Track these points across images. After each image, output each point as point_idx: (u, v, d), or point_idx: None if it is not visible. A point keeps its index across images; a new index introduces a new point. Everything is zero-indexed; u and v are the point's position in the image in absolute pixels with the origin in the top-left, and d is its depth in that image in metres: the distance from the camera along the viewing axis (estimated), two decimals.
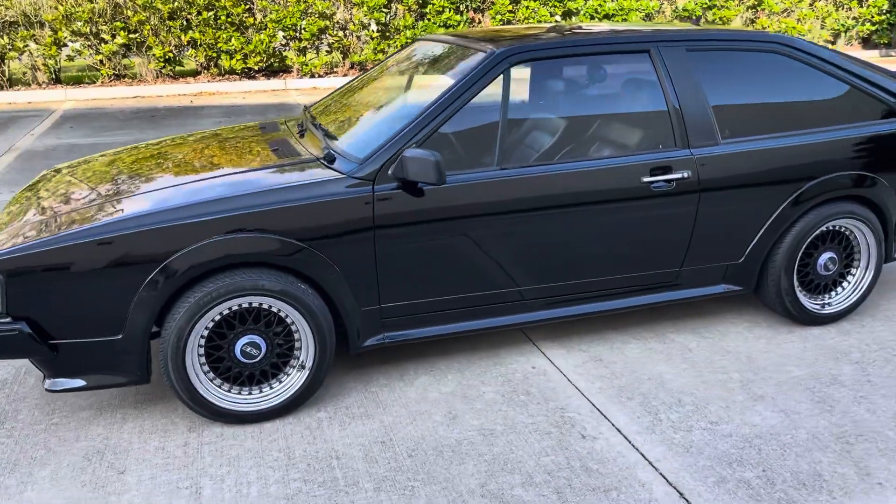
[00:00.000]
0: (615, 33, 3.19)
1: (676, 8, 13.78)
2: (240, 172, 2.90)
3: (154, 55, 11.70)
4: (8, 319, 2.50)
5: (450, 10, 12.55)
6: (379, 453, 2.60)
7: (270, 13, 11.90)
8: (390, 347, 3.33)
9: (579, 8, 13.16)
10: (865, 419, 2.77)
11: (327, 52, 12.82)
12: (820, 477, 2.46)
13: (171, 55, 11.79)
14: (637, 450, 2.61)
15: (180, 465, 2.54)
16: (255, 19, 11.96)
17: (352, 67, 12.99)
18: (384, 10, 12.40)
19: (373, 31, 12.61)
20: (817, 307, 3.51)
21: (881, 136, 3.39)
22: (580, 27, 3.41)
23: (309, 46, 12.56)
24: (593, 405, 2.88)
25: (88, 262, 2.49)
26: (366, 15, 12.31)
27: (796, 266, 3.40)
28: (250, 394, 2.78)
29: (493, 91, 2.99)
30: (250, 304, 2.68)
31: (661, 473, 2.48)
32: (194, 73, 12.47)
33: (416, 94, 3.09)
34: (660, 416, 2.80)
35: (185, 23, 11.73)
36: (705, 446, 2.62)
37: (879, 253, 3.51)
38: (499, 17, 12.79)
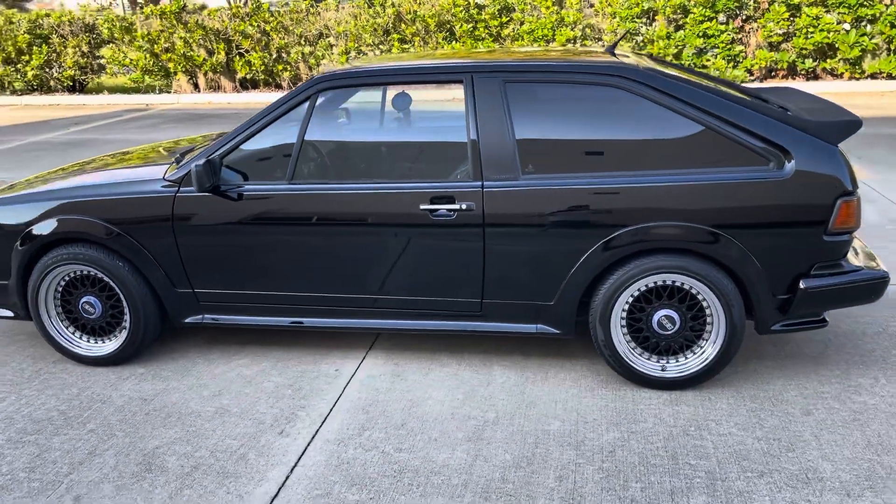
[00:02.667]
0: (435, 62, 3.27)
1: None
2: (119, 169, 3.68)
3: None
4: None
5: (713, 20, 11.85)
6: (128, 405, 3.19)
7: (524, 24, 12.51)
8: (244, 331, 3.83)
9: (876, 14, 11.43)
10: (542, 484, 2.58)
11: None
12: None
13: None
14: (302, 454, 2.81)
15: (16, 382, 3.43)
16: (510, 30, 12.67)
17: None
18: (638, 19, 12.19)
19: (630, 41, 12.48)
20: (654, 368, 3.16)
21: (725, 186, 2.93)
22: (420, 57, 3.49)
23: None
24: (329, 411, 3.10)
25: None
26: (618, 25, 12.25)
27: (613, 317, 3.12)
28: (96, 342, 3.56)
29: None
30: (89, 272, 3.45)
31: (287, 475, 2.69)
32: None
33: None
34: (365, 433, 2.93)
35: (449, 34, 12.91)
36: (358, 466, 2.72)
37: (729, 321, 3.02)
38: (770, 25, 11.72)
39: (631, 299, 3.11)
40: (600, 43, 12.73)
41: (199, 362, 3.57)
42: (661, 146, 3.03)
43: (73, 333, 3.57)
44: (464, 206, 3.09)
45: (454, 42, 12.81)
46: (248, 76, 13.84)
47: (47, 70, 14.33)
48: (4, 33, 14.11)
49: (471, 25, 12.63)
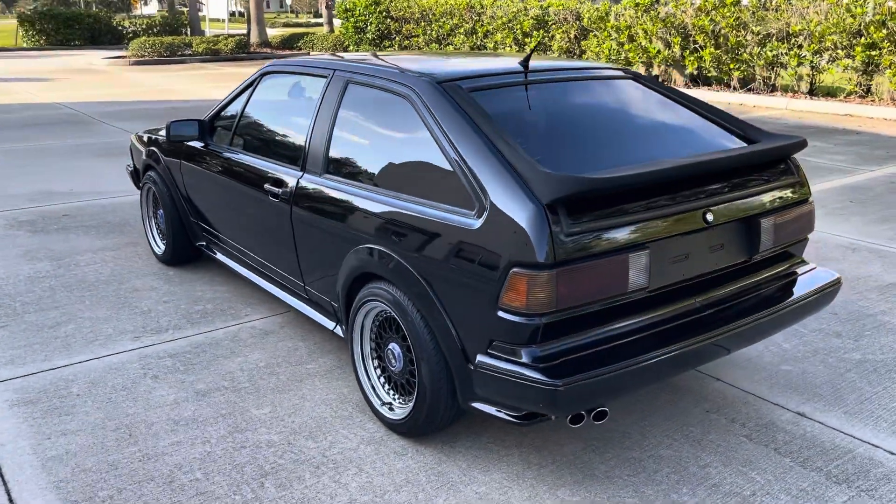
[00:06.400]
0: (321, 59, 3.45)
1: None
2: None
3: (889, 75, 11.00)
4: (131, 164, 5.21)
5: None
6: (131, 289, 4.30)
7: None
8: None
9: None
10: (145, 435, 2.84)
11: None
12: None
13: None
14: (114, 354, 3.54)
15: (120, 258, 4.86)
16: None
17: None
18: None
19: None
20: (382, 403, 2.92)
21: (424, 221, 2.58)
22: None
23: None
24: (185, 337, 3.72)
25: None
26: None
27: (355, 334, 2.98)
28: (158, 244, 4.77)
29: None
30: (153, 190, 4.65)
31: (85, 361, 3.46)
32: None
33: None
34: (165, 359, 3.49)
35: None
36: (119, 375, 3.33)
37: (419, 374, 2.63)
38: None
39: (378, 322, 2.93)
40: None
41: (216, 280, 4.47)
42: (411, 169, 2.76)
43: (155, 232, 4.83)
44: (280, 192, 3.31)
45: None
46: (696, 72, 13.52)
47: (542, 53, 16.25)
48: (518, 19, 16.45)
49: None
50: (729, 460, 2.71)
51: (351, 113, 3.13)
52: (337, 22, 23.91)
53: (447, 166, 2.57)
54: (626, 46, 14.19)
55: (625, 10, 14.48)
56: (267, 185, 3.42)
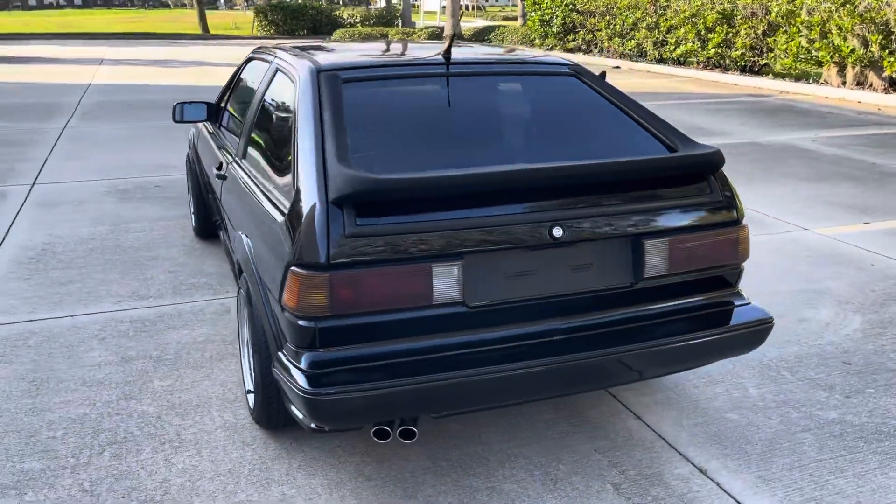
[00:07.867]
0: (284, 45, 3.46)
1: None
2: None
3: None
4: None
5: None
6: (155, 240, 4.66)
7: None
8: None
9: None
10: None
11: None
12: None
13: None
14: (78, 311, 3.84)
15: (167, 218, 5.26)
16: None
17: None
18: None
19: None
20: (250, 394, 2.90)
21: (261, 213, 2.53)
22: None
23: None
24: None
25: None
26: None
27: (240, 323, 2.98)
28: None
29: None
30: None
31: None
32: None
33: None
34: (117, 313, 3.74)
35: None
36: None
37: (253, 366, 2.59)
38: None
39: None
40: None
41: (191, 246, 4.71)
42: (276, 157, 2.73)
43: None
44: (217, 173, 3.40)
45: None
46: None
47: (725, 49, 15.12)
48: (701, 13, 15.38)
49: None
50: None
51: (270, 99, 3.13)
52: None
53: (292, 155, 2.50)
54: (817, 45, 12.77)
55: (818, 3, 13.02)
56: (214, 169, 3.54)
